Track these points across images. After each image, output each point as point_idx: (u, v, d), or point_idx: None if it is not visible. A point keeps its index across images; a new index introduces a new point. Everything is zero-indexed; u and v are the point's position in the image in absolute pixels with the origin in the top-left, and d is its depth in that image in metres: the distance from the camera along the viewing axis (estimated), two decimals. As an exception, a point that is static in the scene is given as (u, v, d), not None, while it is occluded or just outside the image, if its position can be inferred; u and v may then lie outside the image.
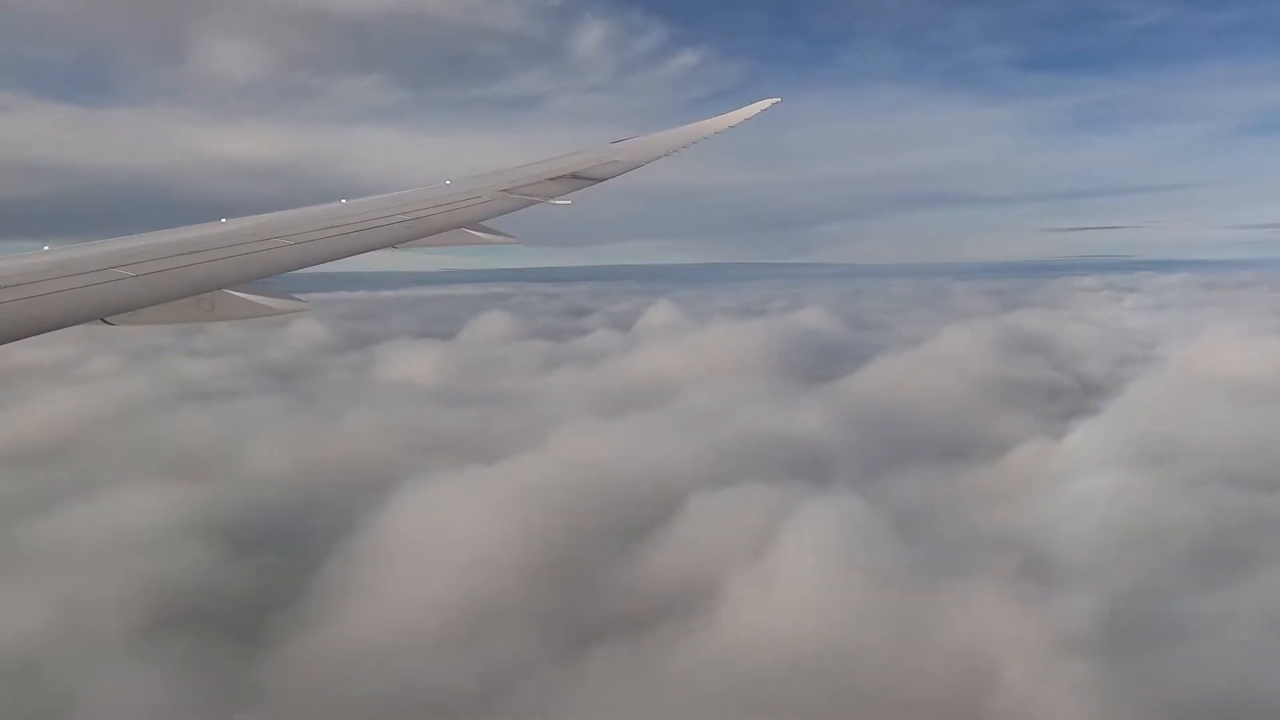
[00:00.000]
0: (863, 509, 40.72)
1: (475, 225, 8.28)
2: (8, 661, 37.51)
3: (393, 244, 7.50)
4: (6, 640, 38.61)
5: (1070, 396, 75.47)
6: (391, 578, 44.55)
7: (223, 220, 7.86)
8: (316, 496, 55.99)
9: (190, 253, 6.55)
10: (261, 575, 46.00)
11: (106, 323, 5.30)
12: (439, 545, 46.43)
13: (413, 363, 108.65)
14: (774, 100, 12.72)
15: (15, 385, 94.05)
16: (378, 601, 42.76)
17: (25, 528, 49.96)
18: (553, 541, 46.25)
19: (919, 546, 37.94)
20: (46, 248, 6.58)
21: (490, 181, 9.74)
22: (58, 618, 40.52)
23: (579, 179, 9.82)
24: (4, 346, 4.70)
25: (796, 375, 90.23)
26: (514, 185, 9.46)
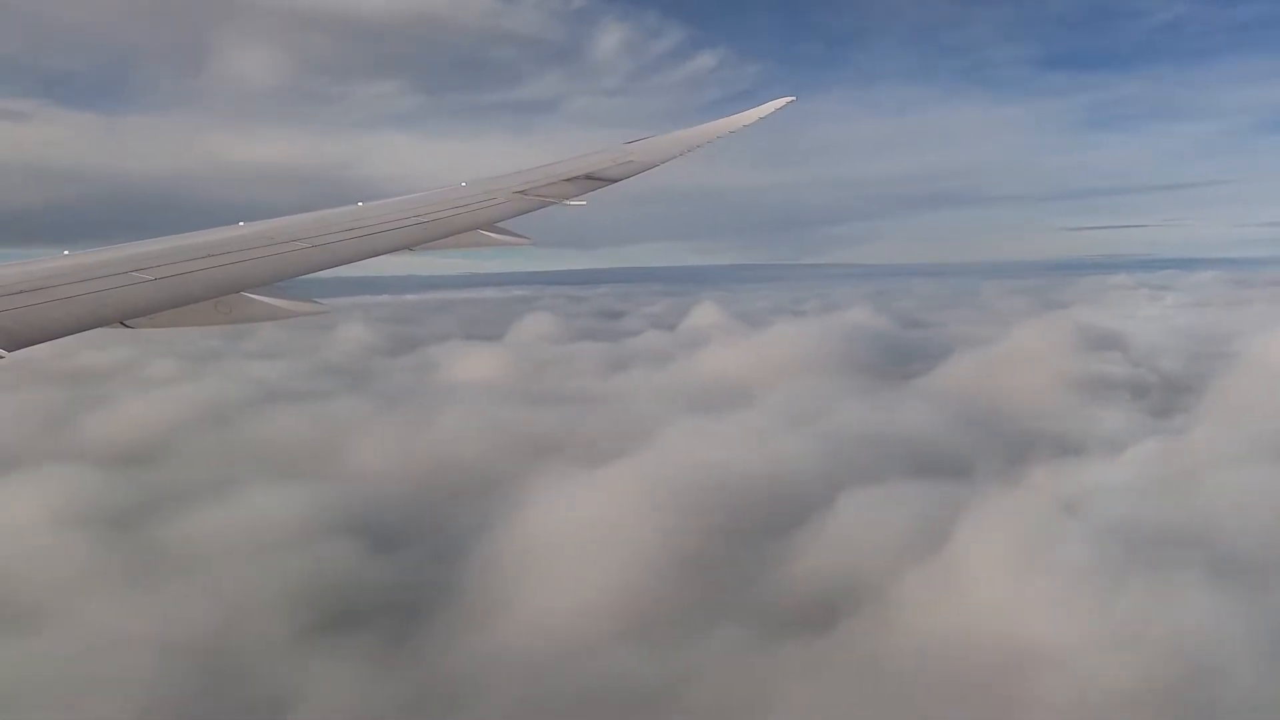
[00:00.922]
0: (1033, 503, 40.67)
1: (491, 227, 8.28)
2: (181, 661, 37.70)
3: (409, 246, 7.50)
4: (178, 640, 38.82)
5: (1158, 393, 75.58)
6: (543, 575, 44.63)
7: (240, 224, 7.87)
8: (440, 495, 56.14)
9: (208, 256, 6.57)
10: (409, 573, 46.10)
11: (125, 325, 5.31)
12: (584, 542, 46.46)
13: (475, 364, 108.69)
14: (788, 99, 12.73)
15: (86, 389, 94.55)
16: (537, 598, 42.85)
17: (167, 529, 50.16)
18: (699, 540, 46.19)
19: (1094, 541, 37.87)
20: (66, 252, 6.58)
21: (505, 183, 9.73)
22: (225, 617, 40.69)
23: (594, 180, 9.81)
24: (30, 349, 4.73)
25: (872, 373, 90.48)
26: (529, 187, 9.46)
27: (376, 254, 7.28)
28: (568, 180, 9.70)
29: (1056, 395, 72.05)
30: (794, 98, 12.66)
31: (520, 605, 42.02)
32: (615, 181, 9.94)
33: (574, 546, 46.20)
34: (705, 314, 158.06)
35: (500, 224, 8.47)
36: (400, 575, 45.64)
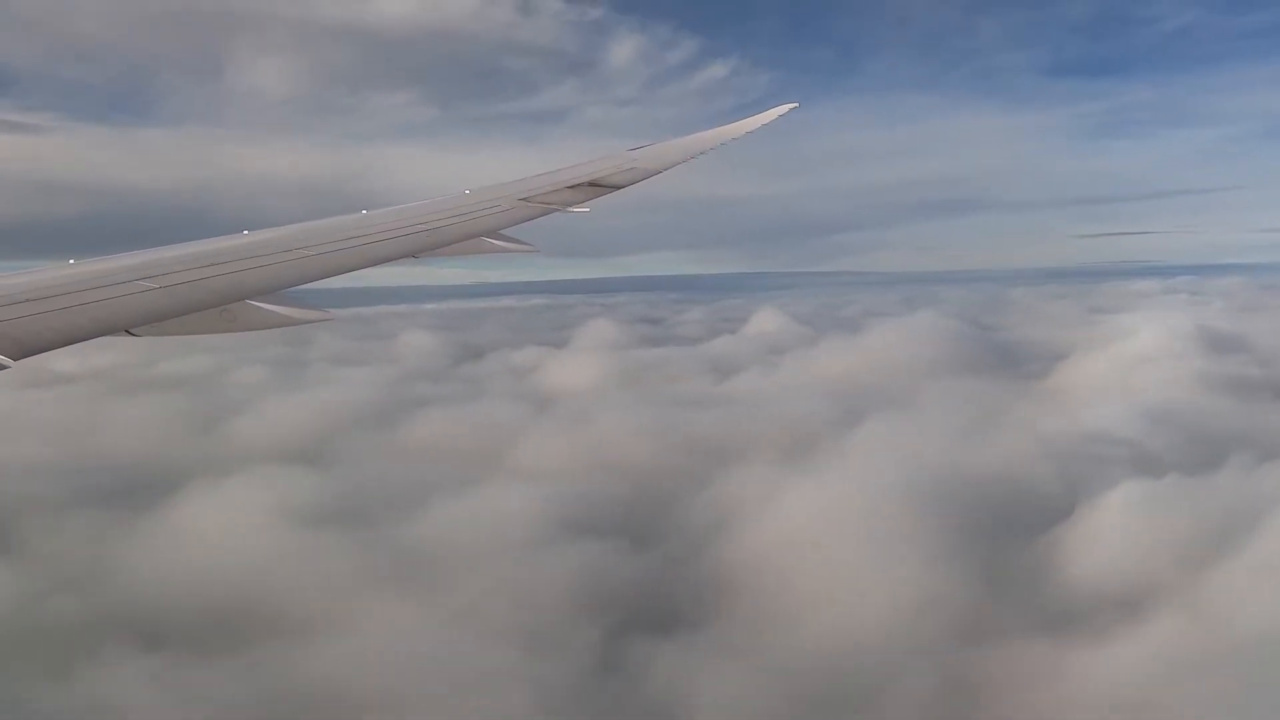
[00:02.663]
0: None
1: (494, 234, 8.27)
2: (488, 662, 37.37)
3: (413, 254, 7.50)
4: (490, 640, 38.50)
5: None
6: (807, 573, 44.52)
7: (245, 232, 7.88)
8: (652, 494, 56.03)
9: (213, 264, 6.60)
10: (669, 572, 45.90)
11: (131, 334, 5.33)
12: (836, 541, 46.35)
13: (571, 369, 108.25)
14: (791, 105, 12.77)
15: (203, 396, 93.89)
16: (814, 596, 42.72)
17: (407, 529, 49.82)
18: (954, 538, 45.93)
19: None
20: (71, 260, 6.60)
21: (508, 191, 9.71)
22: (522, 619, 40.33)
23: (597, 186, 9.77)
24: (38, 357, 4.78)
25: (994, 374, 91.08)
26: (532, 194, 9.46)
27: (381, 261, 7.26)
28: (571, 187, 9.67)
29: (1210, 395, 72.49)
30: (796, 104, 12.71)
31: (798, 603, 41.87)
32: (619, 188, 9.88)
33: (828, 545, 46.07)
34: (767, 319, 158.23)
35: (504, 231, 8.44)
36: (662, 574, 45.38)
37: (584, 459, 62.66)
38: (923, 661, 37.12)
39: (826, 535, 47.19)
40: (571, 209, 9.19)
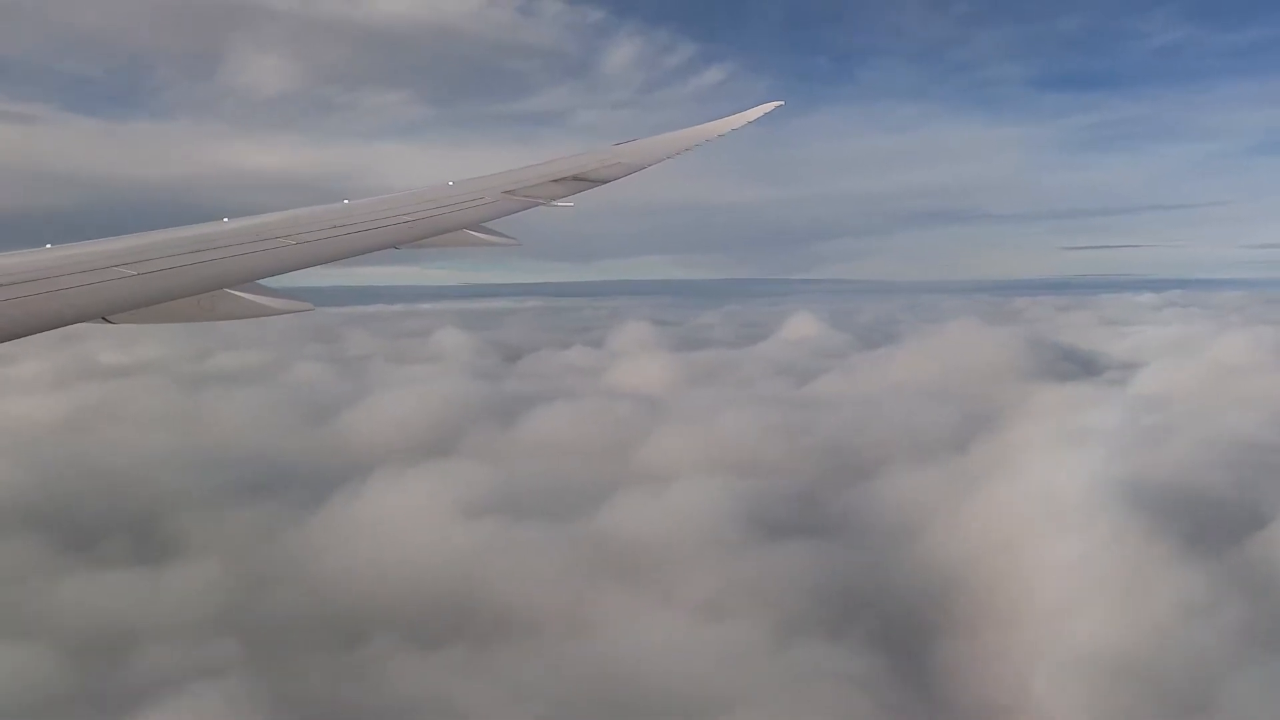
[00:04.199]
0: None
1: (478, 227, 8.20)
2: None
3: (395, 244, 7.47)
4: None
5: None
6: (1029, 575, 44.38)
7: (225, 220, 7.79)
8: (823, 492, 55.94)
9: (192, 251, 6.54)
10: (884, 568, 45.63)
11: (108, 321, 5.32)
12: (1052, 541, 46.29)
13: (637, 369, 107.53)
14: (776, 104, 12.86)
15: (285, 391, 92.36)
16: (1045, 597, 42.59)
17: (591, 524, 49.24)
18: (1160, 541, 45.91)
19: None
20: (49, 245, 6.55)
21: (493, 183, 9.64)
22: (733, 611, 39.74)
23: (581, 180, 9.76)
24: (6, 344, 4.76)
25: (1080, 380, 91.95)
26: (516, 186, 9.41)
27: (362, 251, 7.20)
28: (555, 181, 9.64)
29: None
30: (781, 102, 12.76)
31: (1047, 603, 41.71)
32: (603, 183, 9.88)
33: (1047, 546, 46.00)
34: (802, 324, 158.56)
35: (487, 224, 8.35)
36: (883, 572, 45.08)
37: (726, 457, 62.15)
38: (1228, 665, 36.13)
39: (1040, 536, 46.98)
40: (556, 202, 9.07)
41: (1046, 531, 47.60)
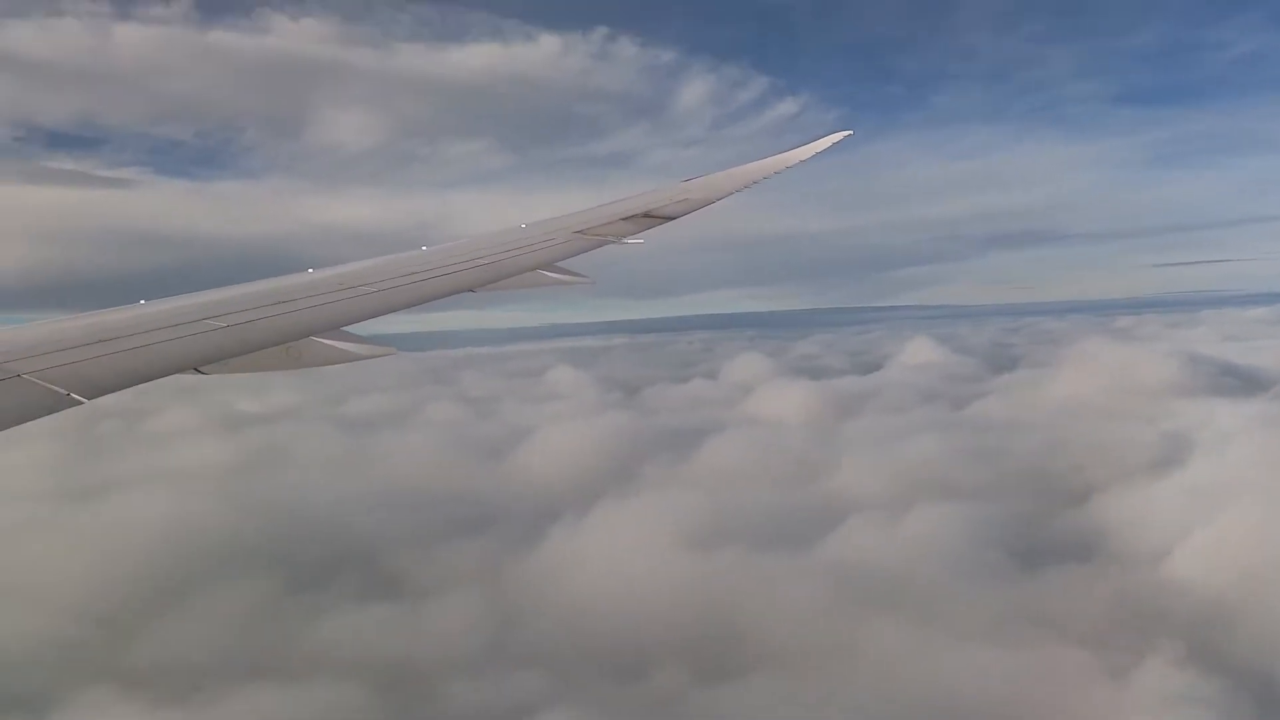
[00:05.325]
0: None
1: (550, 267, 8.18)
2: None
3: (471, 288, 7.50)
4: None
5: None
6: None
7: (309, 270, 7.98)
8: (1048, 513, 54.10)
9: (277, 303, 6.69)
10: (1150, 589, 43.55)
11: (199, 372, 5.42)
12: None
13: (778, 399, 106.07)
14: (846, 133, 12.41)
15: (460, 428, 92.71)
16: None
17: (825, 551, 47.94)
18: None
19: None
20: (142, 301, 6.76)
21: (564, 223, 9.63)
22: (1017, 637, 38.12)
23: (651, 218, 9.62)
24: (108, 397, 4.86)
25: (1247, 398, 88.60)
26: (587, 226, 9.36)
27: (440, 296, 7.29)
28: (625, 219, 9.56)
29: None
30: (850, 131, 12.42)
31: None
32: (672, 219, 9.72)
33: None
34: (922, 350, 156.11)
35: (559, 264, 8.31)
36: (1160, 594, 42.96)
37: (928, 483, 60.46)
38: None
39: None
40: (626, 240, 9.03)
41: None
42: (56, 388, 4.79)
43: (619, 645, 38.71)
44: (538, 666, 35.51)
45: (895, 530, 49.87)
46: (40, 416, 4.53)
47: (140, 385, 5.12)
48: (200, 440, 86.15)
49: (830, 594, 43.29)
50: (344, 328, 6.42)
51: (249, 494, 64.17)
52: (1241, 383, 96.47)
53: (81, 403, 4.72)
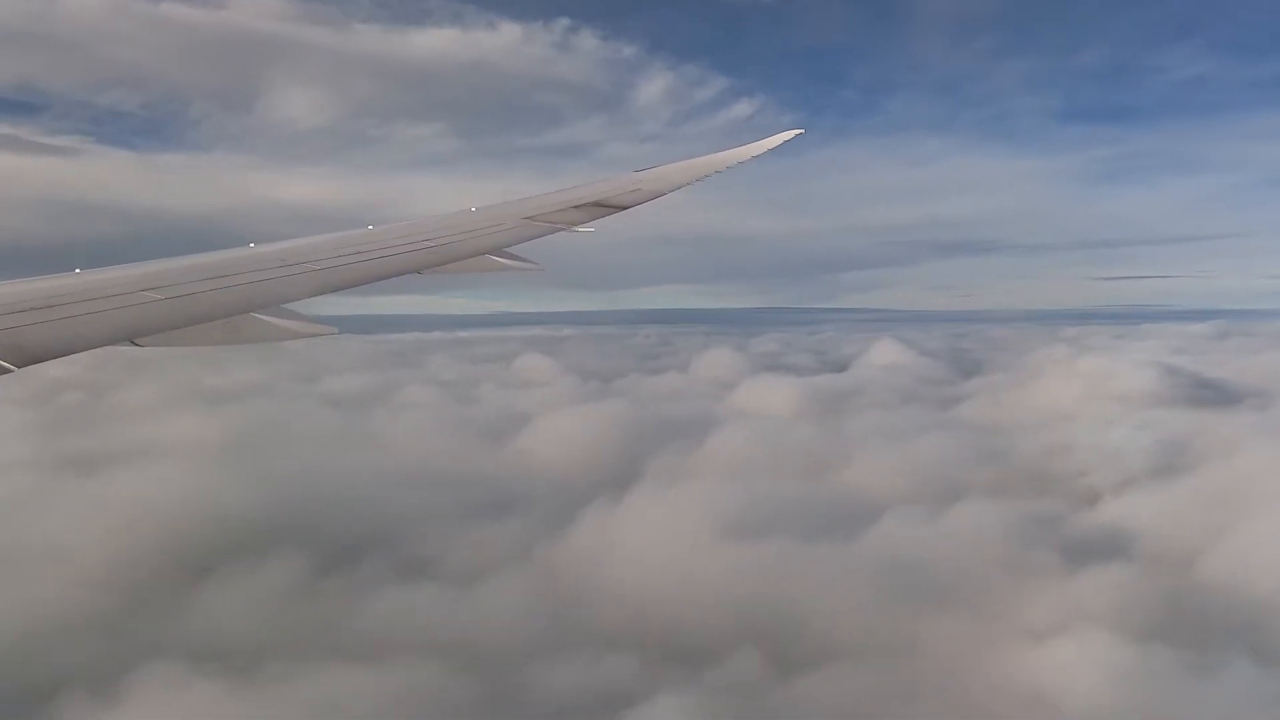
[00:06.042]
0: None
1: (499, 252, 8.23)
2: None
3: (417, 269, 7.49)
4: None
5: None
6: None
7: (251, 245, 7.89)
8: (1073, 513, 54.69)
9: (218, 276, 6.65)
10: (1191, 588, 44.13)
11: (135, 344, 5.37)
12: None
13: (762, 394, 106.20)
14: (798, 131, 12.81)
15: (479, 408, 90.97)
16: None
17: (868, 545, 47.84)
18: None
19: None
20: (78, 270, 6.64)
21: (514, 209, 9.71)
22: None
23: (603, 207, 9.71)
24: (38, 365, 4.79)
25: (1219, 410, 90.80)
26: (537, 213, 9.43)
27: (385, 276, 7.24)
28: (577, 207, 9.61)
29: None
30: (802, 130, 12.72)
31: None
32: (624, 209, 9.78)
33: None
34: (887, 352, 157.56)
35: (508, 250, 8.35)
36: (1202, 592, 43.57)
37: (944, 480, 60.89)
38: None
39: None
40: (577, 228, 9.05)
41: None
42: None
43: (686, 632, 38.10)
44: (616, 650, 34.75)
45: (937, 525, 49.98)
46: None
47: (73, 355, 4.93)
48: (181, 415, 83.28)
49: (885, 588, 43.14)
50: (285, 304, 6.23)
51: (255, 470, 62.14)
52: (1215, 394, 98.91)
53: (11, 370, 4.53)
